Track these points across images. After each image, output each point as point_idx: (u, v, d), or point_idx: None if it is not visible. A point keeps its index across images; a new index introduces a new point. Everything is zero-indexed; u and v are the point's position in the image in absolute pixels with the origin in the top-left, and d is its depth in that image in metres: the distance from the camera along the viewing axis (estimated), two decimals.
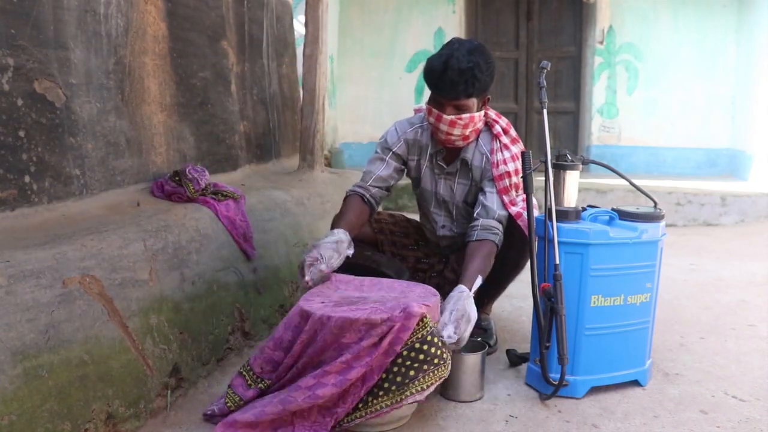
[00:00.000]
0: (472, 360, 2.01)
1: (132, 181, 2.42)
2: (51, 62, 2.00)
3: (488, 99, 2.23)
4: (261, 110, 3.69)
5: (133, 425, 1.77)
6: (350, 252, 2.03)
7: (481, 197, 2.28)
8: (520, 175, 2.23)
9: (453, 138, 2.22)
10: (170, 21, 2.68)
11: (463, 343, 1.82)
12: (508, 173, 2.25)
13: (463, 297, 1.89)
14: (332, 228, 2.15)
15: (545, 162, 2.09)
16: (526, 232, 2.14)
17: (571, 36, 7.56)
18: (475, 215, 2.27)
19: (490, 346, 2.42)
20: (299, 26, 4.76)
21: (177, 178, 2.47)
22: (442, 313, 1.84)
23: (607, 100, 7.47)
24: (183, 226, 2.23)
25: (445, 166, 2.35)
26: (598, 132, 7.51)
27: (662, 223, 2.10)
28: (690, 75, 7.29)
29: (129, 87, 2.41)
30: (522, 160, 2.09)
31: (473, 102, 2.15)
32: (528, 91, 7.67)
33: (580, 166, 2.15)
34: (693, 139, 7.37)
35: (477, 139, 2.30)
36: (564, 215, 2.04)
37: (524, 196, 2.13)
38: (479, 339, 2.28)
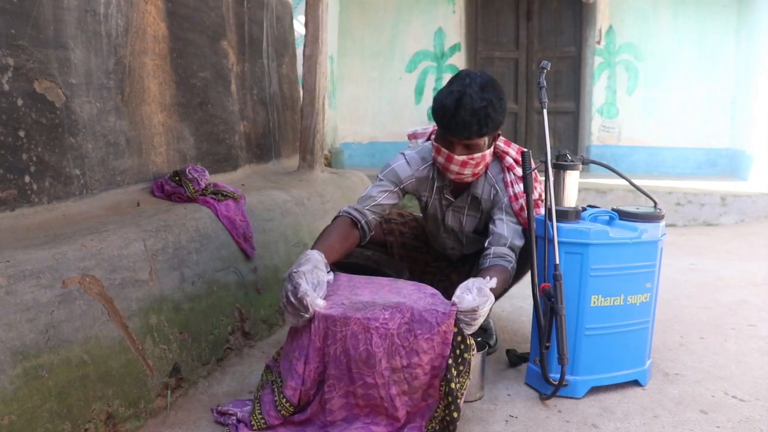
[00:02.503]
0: (473, 360, 2.00)
1: (132, 181, 2.42)
2: (51, 62, 2.00)
3: (498, 135, 2.15)
4: (261, 110, 3.69)
5: (133, 425, 1.76)
6: (330, 278, 1.86)
7: (492, 226, 2.19)
8: (525, 212, 2.17)
9: (464, 177, 2.15)
10: (170, 21, 2.68)
11: (481, 319, 1.76)
12: (517, 211, 2.18)
13: (485, 282, 1.81)
14: (312, 248, 1.98)
15: (545, 162, 2.09)
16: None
17: (571, 36, 7.57)
18: (486, 244, 2.17)
19: (490, 346, 2.42)
20: (299, 26, 4.76)
21: (177, 178, 2.48)
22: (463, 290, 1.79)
23: (607, 100, 7.48)
24: (183, 226, 2.23)
25: (453, 199, 2.28)
26: (598, 132, 7.52)
27: (662, 223, 2.10)
28: (690, 75, 7.29)
29: (129, 87, 2.41)
30: (522, 160, 2.09)
31: (485, 140, 2.07)
32: (528, 91, 7.67)
33: (580, 166, 2.15)
34: (693, 139, 7.38)
35: (486, 171, 2.22)
36: (564, 215, 2.04)
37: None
38: (479, 339, 2.28)
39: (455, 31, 7.66)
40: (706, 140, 7.36)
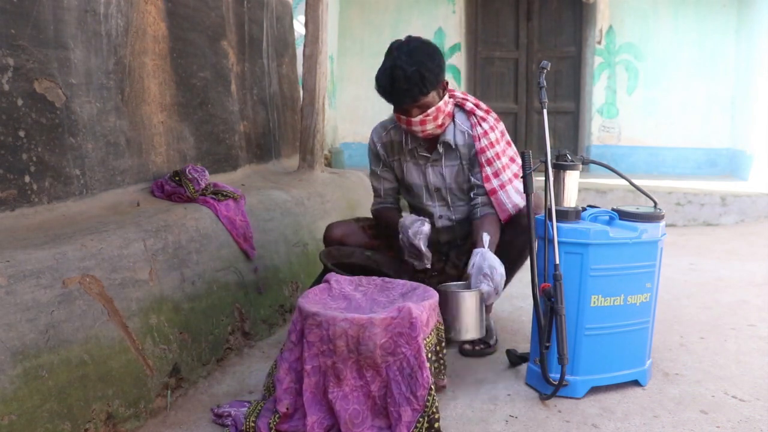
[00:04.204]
0: (470, 296, 2.05)
1: (132, 181, 2.42)
2: (51, 62, 2.00)
3: (446, 84, 2.29)
4: (261, 110, 3.69)
5: (133, 425, 1.77)
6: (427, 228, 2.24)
7: (473, 178, 2.37)
8: (501, 143, 2.37)
9: (429, 131, 2.29)
10: (170, 21, 2.68)
11: (499, 293, 2.07)
12: (491, 144, 2.34)
13: (479, 254, 2.09)
14: (387, 223, 2.43)
15: (545, 162, 2.09)
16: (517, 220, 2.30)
17: (571, 36, 7.56)
18: (472, 195, 2.38)
19: (489, 345, 2.42)
20: (299, 26, 4.76)
21: (177, 178, 2.47)
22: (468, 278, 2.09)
23: (607, 100, 7.47)
24: (183, 226, 2.23)
25: (429, 155, 2.40)
26: (598, 132, 7.51)
27: (662, 223, 2.10)
28: (690, 75, 7.29)
29: (129, 87, 2.41)
30: (522, 160, 2.09)
31: (432, 95, 2.21)
32: (528, 91, 7.67)
33: (580, 166, 2.15)
34: (693, 139, 7.37)
35: (453, 119, 2.36)
36: (564, 215, 2.04)
37: (514, 170, 2.35)
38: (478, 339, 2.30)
39: (455, 31, 7.65)
40: (706, 140, 7.36)
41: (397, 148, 2.45)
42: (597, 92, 7.46)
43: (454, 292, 2.06)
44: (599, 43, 7.39)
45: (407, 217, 2.29)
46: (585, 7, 7.42)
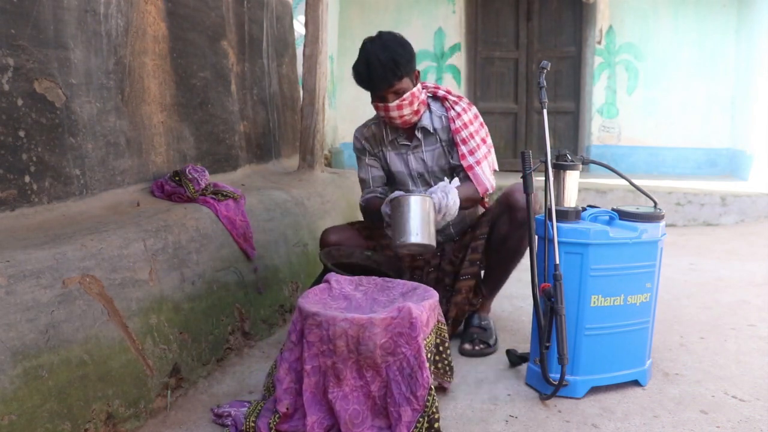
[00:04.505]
0: (420, 199, 2.08)
1: (132, 181, 2.42)
2: (51, 62, 2.00)
3: (419, 73, 2.41)
4: (261, 110, 3.69)
5: (133, 425, 1.77)
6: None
7: (453, 161, 2.49)
8: (475, 124, 2.46)
9: (407, 117, 2.40)
10: (170, 21, 2.68)
11: (452, 212, 2.16)
12: (465, 124, 2.44)
13: (441, 184, 2.22)
14: (375, 210, 2.36)
15: (545, 162, 2.09)
16: (512, 205, 2.38)
17: (571, 36, 7.56)
18: (454, 175, 2.48)
19: (489, 345, 2.42)
20: (299, 26, 4.76)
21: (177, 178, 2.47)
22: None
23: (607, 100, 7.47)
24: (183, 226, 2.23)
25: (409, 143, 2.52)
26: (598, 132, 7.51)
27: (662, 223, 2.10)
28: (690, 75, 7.29)
29: (129, 87, 2.41)
30: (522, 160, 2.09)
31: (406, 81, 2.34)
32: (528, 91, 7.66)
33: (580, 166, 2.15)
34: (693, 139, 7.37)
35: (428, 107, 2.49)
36: (564, 215, 2.04)
37: (485, 149, 2.46)
38: (477, 337, 2.30)
39: (455, 31, 7.65)
40: (706, 140, 7.36)
41: (379, 141, 2.56)
42: (597, 92, 7.46)
43: (402, 196, 2.12)
44: (599, 43, 7.39)
45: (396, 192, 2.31)
46: (585, 7, 7.41)
